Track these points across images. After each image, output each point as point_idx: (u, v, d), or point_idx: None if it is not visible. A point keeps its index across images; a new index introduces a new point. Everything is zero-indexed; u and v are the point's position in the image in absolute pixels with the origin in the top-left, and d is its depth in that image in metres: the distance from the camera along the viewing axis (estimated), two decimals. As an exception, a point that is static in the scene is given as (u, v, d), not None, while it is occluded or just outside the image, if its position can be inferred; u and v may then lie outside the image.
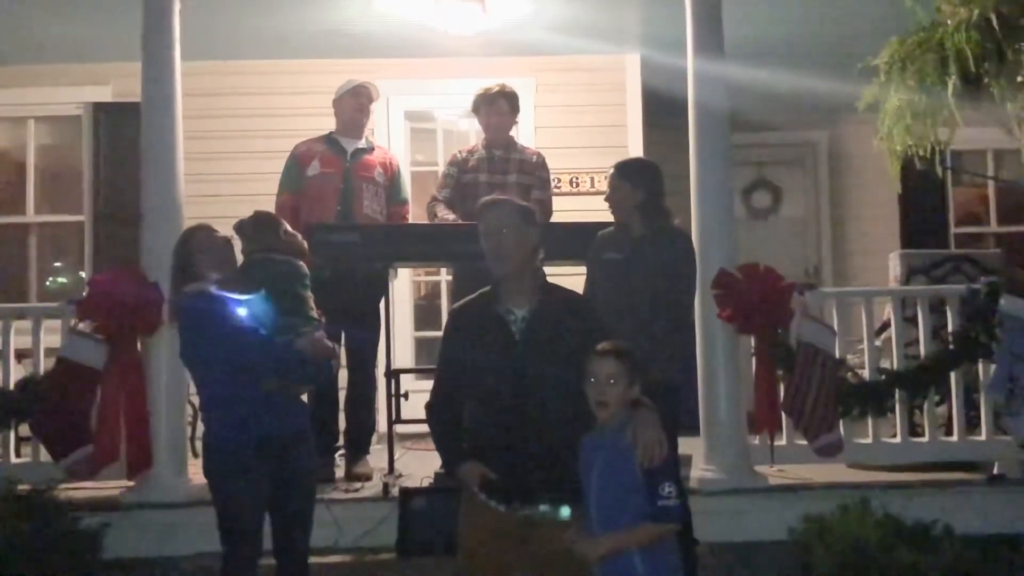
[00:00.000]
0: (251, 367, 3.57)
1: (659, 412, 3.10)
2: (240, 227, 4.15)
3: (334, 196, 5.41)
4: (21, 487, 4.50)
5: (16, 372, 5.02)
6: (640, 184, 4.48)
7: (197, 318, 3.59)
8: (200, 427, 5.96)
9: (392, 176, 5.65)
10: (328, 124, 5.73)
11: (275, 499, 3.69)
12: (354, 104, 5.62)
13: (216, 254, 3.72)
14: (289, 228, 4.09)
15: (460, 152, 5.73)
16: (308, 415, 3.91)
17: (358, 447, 5.42)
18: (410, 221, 5.85)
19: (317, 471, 4.01)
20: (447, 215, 5.41)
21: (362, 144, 5.63)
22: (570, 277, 4.24)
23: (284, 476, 3.66)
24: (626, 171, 4.60)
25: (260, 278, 3.78)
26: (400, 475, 5.08)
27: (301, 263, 3.97)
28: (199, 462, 5.49)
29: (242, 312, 3.58)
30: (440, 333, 3.68)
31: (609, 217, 4.58)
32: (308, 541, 3.82)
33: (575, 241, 4.66)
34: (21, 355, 5.19)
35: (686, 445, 4.59)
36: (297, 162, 5.54)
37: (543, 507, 3.15)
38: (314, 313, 3.97)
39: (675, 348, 4.38)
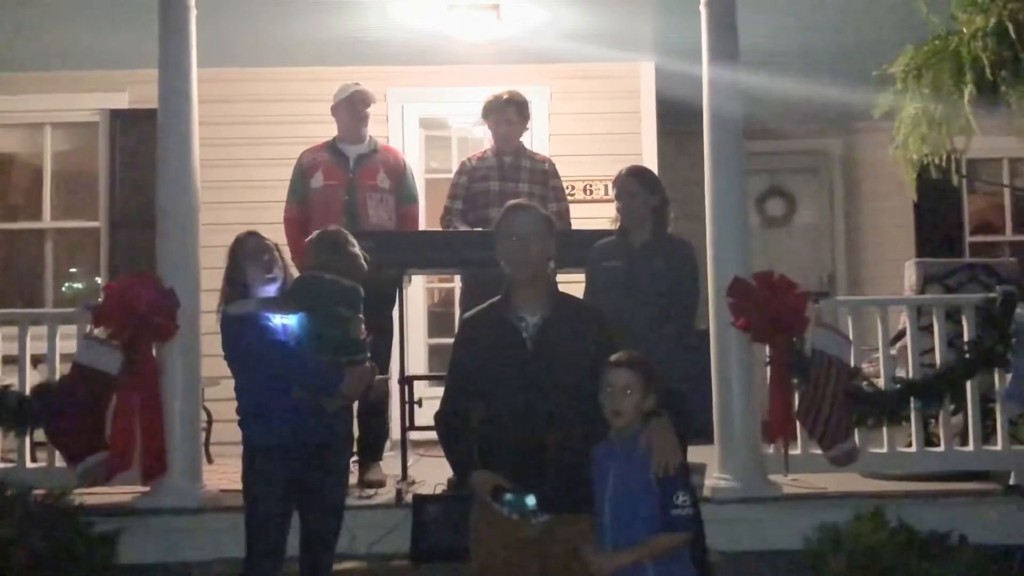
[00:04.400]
0: (283, 381, 3.67)
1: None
2: (308, 242, 4.08)
3: (339, 208, 5.33)
4: (36, 492, 4.52)
5: (32, 377, 5.04)
6: (656, 190, 4.54)
7: (235, 335, 3.72)
8: (214, 434, 6.09)
9: (398, 177, 5.54)
10: (343, 130, 5.72)
11: (302, 506, 3.74)
12: (350, 114, 5.54)
13: (264, 262, 3.80)
14: (355, 250, 3.92)
15: (469, 160, 5.69)
16: (346, 425, 3.97)
17: (371, 453, 5.41)
18: (421, 223, 5.81)
19: (347, 481, 4.05)
20: (464, 228, 5.39)
21: (364, 149, 5.54)
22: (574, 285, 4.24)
23: (312, 484, 3.71)
24: (643, 177, 4.64)
25: (303, 296, 3.79)
26: (413, 482, 5.08)
27: (353, 285, 3.87)
28: (214, 468, 5.60)
29: (279, 330, 3.69)
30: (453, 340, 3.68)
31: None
32: (333, 551, 3.87)
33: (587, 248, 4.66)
34: (36, 360, 5.21)
35: (700, 454, 4.58)
36: (302, 173, 5.51)
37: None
38: (360, 336, 3.86)
39: (680, 356, 4.37)
